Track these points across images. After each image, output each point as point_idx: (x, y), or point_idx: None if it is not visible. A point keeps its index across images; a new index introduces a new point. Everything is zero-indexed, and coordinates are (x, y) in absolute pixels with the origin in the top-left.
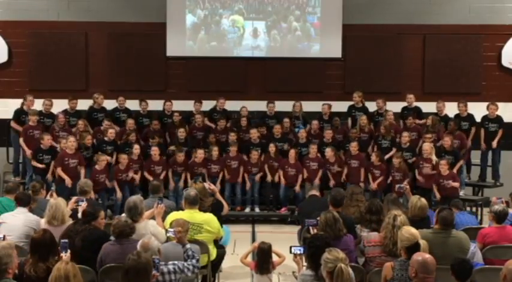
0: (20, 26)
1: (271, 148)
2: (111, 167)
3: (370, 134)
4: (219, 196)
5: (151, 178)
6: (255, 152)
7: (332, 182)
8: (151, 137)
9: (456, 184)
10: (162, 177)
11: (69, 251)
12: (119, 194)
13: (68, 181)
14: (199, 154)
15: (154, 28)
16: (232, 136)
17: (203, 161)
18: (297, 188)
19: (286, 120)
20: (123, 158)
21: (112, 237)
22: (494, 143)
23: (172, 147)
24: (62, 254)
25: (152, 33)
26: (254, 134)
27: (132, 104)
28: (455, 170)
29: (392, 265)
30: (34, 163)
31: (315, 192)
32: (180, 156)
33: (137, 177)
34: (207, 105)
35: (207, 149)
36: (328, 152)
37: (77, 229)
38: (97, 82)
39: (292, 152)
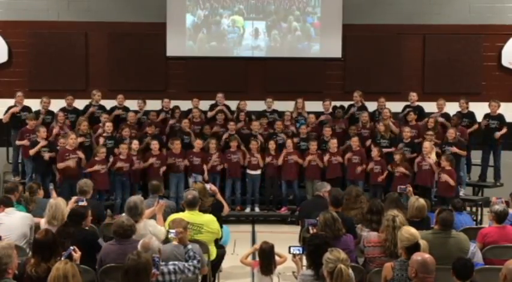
0: (20, 26)
1: (271, 145)
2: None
3: (370, 131)
4: (219, 197)
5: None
6: (255, 142)
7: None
8: (149, 125)
9: (450, 181)
10: (161, 172)
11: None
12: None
13: (72, 164)
14: (198, 144)
15: (154, 28)
16: (232, 125)
17: (201, 151)
18: (301, 160)
19: (288, 113)
20: (124, 148)
21: (101, 238)
22: (498, 134)
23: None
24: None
25: (152, 33)
26: (256, 125)
27: (132, 104)
28: (462, 152)
29: (392, 265)
30: (32, 151)
31: (321, 192)
32: (177, 145)
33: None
34: (207, 105)
35: (205, 140)
36: (332, 142)
37: (67, 231)
38: (97, 82)
39: (289, 142)
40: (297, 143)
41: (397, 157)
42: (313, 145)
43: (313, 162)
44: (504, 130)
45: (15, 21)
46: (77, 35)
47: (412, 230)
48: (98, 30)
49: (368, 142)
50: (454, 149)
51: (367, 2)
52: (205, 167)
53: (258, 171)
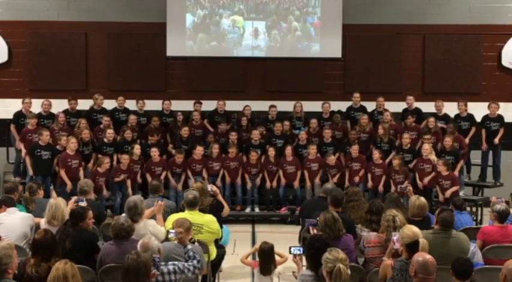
0: (20, 26)
1: (271, 152)
2: (112, 169)
3: (370, 134)
4: (220, 197)
5: (150, 179)
6: (254, 153)
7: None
8: (151, 134)
9: (455, 188)
10: (162, 177)
11: None
12: (105, 192)
13: (69, 186)
14: (198, 151)
15: (154, 28)
16: (233, 136)
17: (202, 158)
18: (296, 183)
19: (287, 123)
20: (125, 159)
21: (100, 237)
22: (496, 140)
23: (171, 148)
24: None
25: (152, 33)
26: (256, 135)
27: (132, 104)
28: (456, 172)
29: (392, 264)
30: (28, 161)
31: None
32: (179, 158)
33: (129, 181)
34: (207, 105)
35: (206, 147)
36: (330, 159)
37: (68, 231)
38: (97, 82)
39: (288, 149)
40: (298, 150)
41: (395, 162)
42: (313, 149)
43: (314, 167)
44: (501, 132)
45: (15, 21)
46: (77, 35)
47: (414, 228)
48: (97, 30)
49: (369, 150)
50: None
51: (367, 2)
52: (205, 174)
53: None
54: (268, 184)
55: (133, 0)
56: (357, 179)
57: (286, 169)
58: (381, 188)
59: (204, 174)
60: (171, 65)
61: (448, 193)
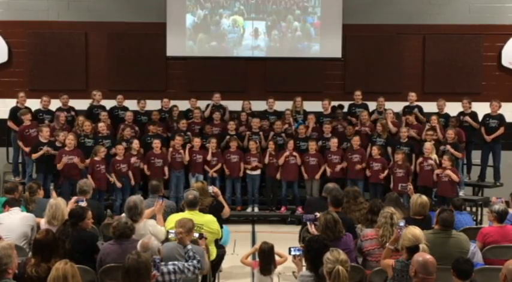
0: (20, 26)
1: (271, 145)
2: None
3: (370, 129)
4: (221, 199)
5: (148, 173)
6: (253, 142)
7: (329, 171)
8: (153, 124)
9: (454, 176)
10: (166, 175)
11: None
12: (118, 184)
13: (60, 165)
14: (197, 142)
15: (154, 28)
16: (231, 125)
17: (201, 149)
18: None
19: (288, 112)
20: (120, 149)
21: (100, 237)
22: (489, 137)
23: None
24: None
25: (152, 33)
26: (256, 123)
27: (132, 104)
28: (455, 153)
29: (393, 265)
30: (35, 155)
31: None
32: (178, 140)
33: (131, 175)
34: (206, 105)
35: (204, 140)
36: (333, 142)
37: (67, 231)
38: (97, 82)
39: (291, 142)
40: (297, 143)
41: (398, 157)
42: (312, 145)
43: (312, 161)
44: (500, 131)
45: (15, 21)
46: (77, 35)
47: (417, 231)
48: (97, 30)
49: (368, 148)
50: (450, 149)
51: (367, 2)
52: (206, 167)
53: (257, 171)
54: (267, 158)
55: (133, 0)
56: (358, 167)
57: (288, 160)
58: (382, 176)
59: (210, 156)
60: (171, 65)
61: (446, 173)
